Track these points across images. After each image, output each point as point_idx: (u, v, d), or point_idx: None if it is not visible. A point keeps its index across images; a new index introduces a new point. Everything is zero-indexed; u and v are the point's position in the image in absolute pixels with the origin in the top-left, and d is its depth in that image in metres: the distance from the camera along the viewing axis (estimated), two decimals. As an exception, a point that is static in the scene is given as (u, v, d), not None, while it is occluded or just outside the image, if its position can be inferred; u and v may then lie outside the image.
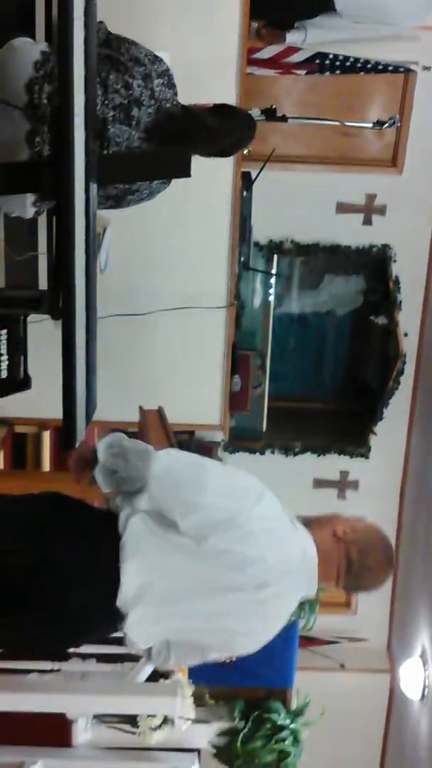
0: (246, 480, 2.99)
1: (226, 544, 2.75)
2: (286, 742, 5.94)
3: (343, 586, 3.06)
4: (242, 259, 6.24)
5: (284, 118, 6.38)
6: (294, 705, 5.95)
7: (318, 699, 6.08)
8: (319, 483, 10.01)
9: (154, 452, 2.88)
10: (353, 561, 2.97)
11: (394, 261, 9.22)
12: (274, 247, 9.15)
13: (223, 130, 3.79)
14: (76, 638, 3.00)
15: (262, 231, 8.54)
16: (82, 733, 5.22)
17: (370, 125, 6.90)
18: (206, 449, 8.92)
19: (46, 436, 5.44)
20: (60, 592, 2.71)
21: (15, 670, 5.59)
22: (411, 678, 9.25)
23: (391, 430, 9.74)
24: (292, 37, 7.36)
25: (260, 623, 2.95)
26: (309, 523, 3.07)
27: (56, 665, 5.59)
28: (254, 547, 2.79)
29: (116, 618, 2.77)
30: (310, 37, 7.33)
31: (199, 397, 5.75)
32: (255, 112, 5.98)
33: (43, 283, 4.21)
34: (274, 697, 5.91)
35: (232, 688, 5.79)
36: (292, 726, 5.84)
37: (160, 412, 4.41)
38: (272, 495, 3.01)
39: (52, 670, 5.55)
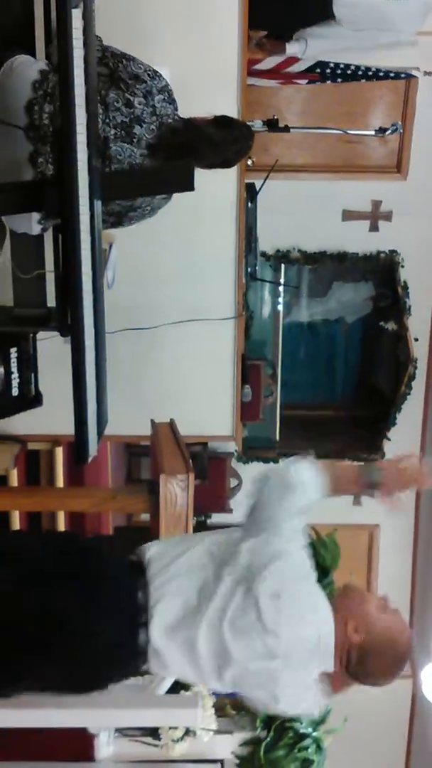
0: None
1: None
2: (309, 750, 5.93)
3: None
4: (249, 269, 6.25)
5: (286, 128, 6.41)
6: (316, 713, 5.95)
7: (339, 706, 6.06)
8: (335, 490, 9.98)
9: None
10: (351, 662, 2.87)
11: (402, 266, 9.23)
12: (281, 257, 9.16)
13: (225, 140, 3.81)
14: (100, 684, 2.96)
15: (268, 241, 8.56)
16: (105, 747, 5.23)
17: (373, 133, 6.93)
18: (219, 460, 8.94)
19: (59, 452, 5.45)
20: (84, 642, 2.71)
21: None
22: (433, 683, 9.23)
23: (404, 435, 9.73)
24: (293, 48, 7.37)
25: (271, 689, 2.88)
26: (342, 596, 3.00)
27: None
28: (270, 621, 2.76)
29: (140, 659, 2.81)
30: (311, 46, 7.33)
31: (211, 408, 5.76)
32: (257, 123, 6.00)
33: (51, 301, 4.23)
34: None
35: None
36: (314, 734, 5.84)
37: (171, 425, 4.43)
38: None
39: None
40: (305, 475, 2.92)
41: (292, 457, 3.00)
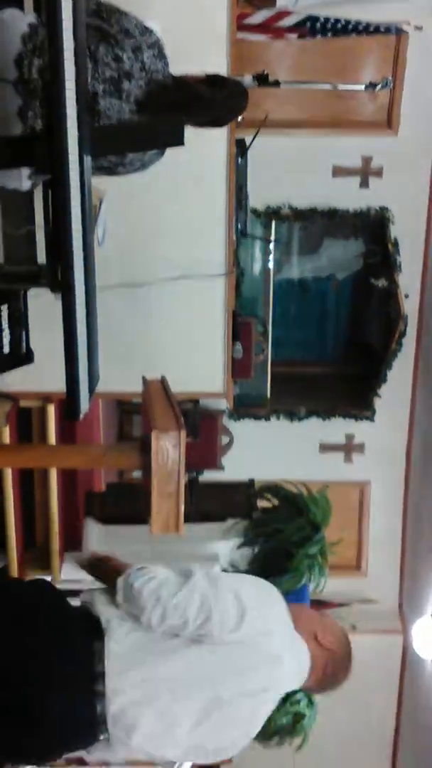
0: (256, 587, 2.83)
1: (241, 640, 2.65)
2: (301, 705, 5.99)
3: (313, 692, 3.08)
4: (240, 226, 6.24)
5: (277, 83, 6.38)
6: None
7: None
8: (325, 447, 10.05)
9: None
10: (327, 674, 2.87)
11: (393, 223, 9.23)
12: (272, 213, 9.16)
13: (216, 99, 3.77)
14: (58, 751, 2.77)
15: (258, 197, 8.53)
16: None
17: (363, 88, 6.89)
18: (211, 417, 8.96)
19: (51, 409, 5.46)
20: (39, 701, 2.54)
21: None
22: (423, 637, 9.31)
23: (395, 392, 9.77)
24: (283, 1, 7.32)
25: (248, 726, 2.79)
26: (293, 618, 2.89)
27: None
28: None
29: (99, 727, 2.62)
30: (301, 0, 7.29)
31: (202, 365, 5.76)
32: (247, 78, 5.97)
33: (41, 257, 4.21)
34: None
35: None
36: (305, 689, 5.89)
37: (163, 382, 4.42)
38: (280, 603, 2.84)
39: None
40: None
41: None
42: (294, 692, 5.61)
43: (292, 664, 2.75)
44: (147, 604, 2.59)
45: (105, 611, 2.70)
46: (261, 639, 2.67)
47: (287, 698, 5.92)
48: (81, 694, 2.56)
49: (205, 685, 2.62)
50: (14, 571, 5.45)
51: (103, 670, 2.56)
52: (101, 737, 2.62)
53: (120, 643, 2.60)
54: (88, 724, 2.58)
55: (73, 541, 6.09)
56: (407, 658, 10.21)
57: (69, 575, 5.83)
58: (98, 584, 2.96)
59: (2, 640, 2.58)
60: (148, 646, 2.61)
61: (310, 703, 6.09)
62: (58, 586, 5.80)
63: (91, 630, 2.64)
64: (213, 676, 2.62)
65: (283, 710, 5.86)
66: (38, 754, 2.73)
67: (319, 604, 8.97)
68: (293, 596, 5.89)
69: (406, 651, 10.21)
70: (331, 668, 2.84)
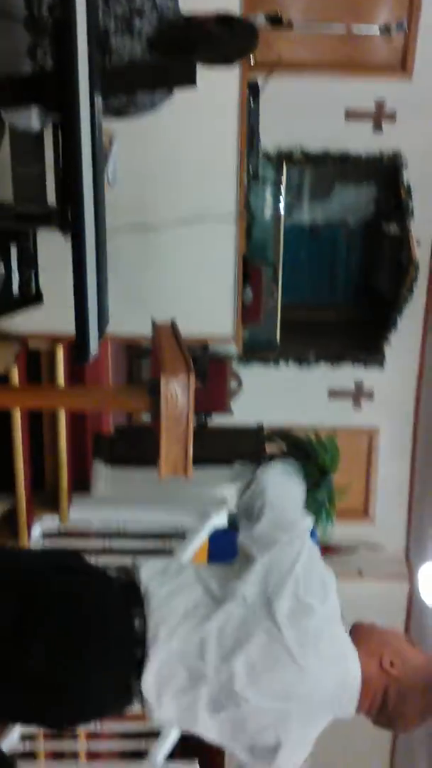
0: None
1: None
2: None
3: (373, 722, 2.61)
4: (251, 169, 6.19)
5: (290, 25, 6.29)
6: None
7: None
8: (334, 393, 10.04)
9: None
10: (389, 703, 2.53)
11: (405, 168, 9.14)
12: (284, 157, 9.07)
13: (226, 38, 3.74)
14: (85, 720, 2.73)
15: (270, 141, 8.47)
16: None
17: (377, 31, 6.80)
18: (220, 362, 8.96)
19: (60, 351, 5.45)
20: (77, 685, 2.41)
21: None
22: (429, 583, 9.35)
23: (405, 339, 9.75)
24: None
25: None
26: (359, 636, 2.64)
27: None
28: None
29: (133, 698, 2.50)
30: None
31: (212, 309, 5.74)
32: (260, 17, 5.89)
33: (51, 198, 4.19)
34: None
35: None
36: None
37: (173, 326, 4.41)
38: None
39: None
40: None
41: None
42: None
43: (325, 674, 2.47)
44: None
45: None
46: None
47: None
48: (119, 676, 2.44)
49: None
50: (23, 513, 5.48)
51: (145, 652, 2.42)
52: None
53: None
54: (123, 701, 2.51)
55: (81, 483, 6.11)
56: (413, 604, 10.28)
57: (77, 516, 5.86)
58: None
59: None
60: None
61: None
62: (66, 528, 5.86)
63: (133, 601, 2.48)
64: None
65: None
66: (60, 723, 2.69)
67: (326, 550, 9.04)
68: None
69: (412, 596, 10.27)
70: (395, 695, 2.53)
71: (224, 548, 6.25)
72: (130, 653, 2.41)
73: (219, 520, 5.77)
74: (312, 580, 2.53)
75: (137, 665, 2.41)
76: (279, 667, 2.41)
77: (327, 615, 2.50)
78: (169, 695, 2.44)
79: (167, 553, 5.77)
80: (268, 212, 9.44)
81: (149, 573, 2.55)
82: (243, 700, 2.41)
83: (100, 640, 2.41)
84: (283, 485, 2.84)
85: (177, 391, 3.67)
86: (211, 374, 8.60)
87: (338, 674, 2.48)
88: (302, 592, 2.48)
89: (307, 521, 2.74)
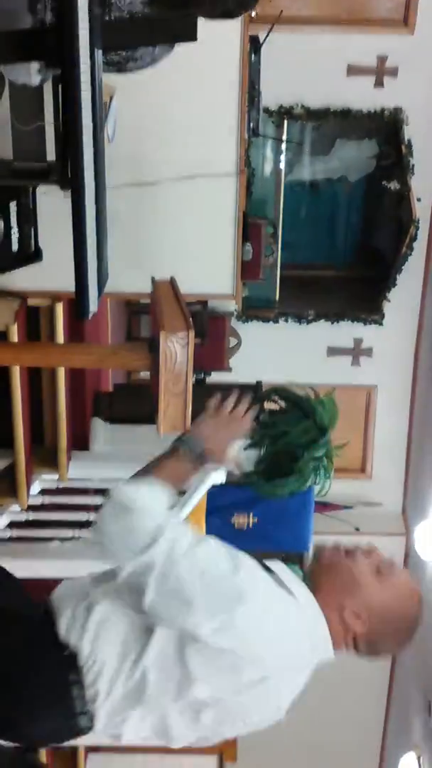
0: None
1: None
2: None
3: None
4: (251, 125, 6.15)
5: (292, -22, 6.23)
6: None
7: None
8: (333, 351, 10.05)
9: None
10: (360, 648, 2.42)
11: (407, 124, 9.10)
12: (285, 113, 9.02)
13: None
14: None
15: (271, 96, 8.42)
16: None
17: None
18: (219, 319, 8.95)
19: (60, 308, 5.44)
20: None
21: (37, 539, 5.73)
22: (425, 540, 9.41)
23: (404, 296, 9.74)
24: None
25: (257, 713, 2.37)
26: (320, 576, 2.45)
27: (77, 532, 5.73)
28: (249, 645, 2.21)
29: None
30: None
31: (211, 267, 5.72)
32: (262, -28, 5.83)
33: (51, 154, 4.17)
34: (290, 560, 6.03)
35: (250, 553, 5.92)
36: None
37: (172, 283, 4.40)
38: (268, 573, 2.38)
39: (73, 538, 5.68)
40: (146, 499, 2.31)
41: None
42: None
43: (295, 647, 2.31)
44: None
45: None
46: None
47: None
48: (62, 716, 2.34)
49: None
50: (22, 470, 5.49)
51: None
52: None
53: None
54: (69, 734, 2.40)
55: (80, 440, 6.12)
56: (409, 560, 10.34)
57: (76, 473, 5.88)
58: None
59: None
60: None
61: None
62: (65, 485, 5.88)
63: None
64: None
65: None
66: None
67: (324, 507, 9.09)
68: (298, 499, 5.95)
69: (409, 553, 10.33)
70: (365, 644, 2.41)
71: (222, 505, 6.29)
72: (75, 723, 2.33)
73: (217, 477, 5.77)
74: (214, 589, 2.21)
75: (84, 730, 2.34)
76: (234, 670, 2.23)
77: (253, 610, 2.21)
78: (130, 727, 2.35)
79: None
80: (268, 168, 9.41)
81: (64, 624, 2.36)
82: (215, 701, 2.27)
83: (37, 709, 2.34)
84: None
85: (176, 348, 3.68)
86: (211, 331, 8.60)
87: (298, 644, 2.31)
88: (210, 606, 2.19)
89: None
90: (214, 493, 5.85)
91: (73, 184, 3.28)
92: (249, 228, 6.13)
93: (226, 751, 8.68)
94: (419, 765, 9.74)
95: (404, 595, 2.49)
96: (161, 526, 2.22)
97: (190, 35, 3.40)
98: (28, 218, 4.44)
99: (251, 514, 6.14)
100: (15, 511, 5.71)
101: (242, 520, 6.12)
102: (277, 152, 9.39)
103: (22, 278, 5.15)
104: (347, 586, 2.40)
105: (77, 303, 3.53)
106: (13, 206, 4.26)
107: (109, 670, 2.28)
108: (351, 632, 2.37)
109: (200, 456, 2.60)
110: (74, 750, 8.02)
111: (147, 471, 2.56)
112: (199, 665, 2.21)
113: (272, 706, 2.35)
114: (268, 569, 2.39)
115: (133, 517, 2.24)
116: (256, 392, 6.50)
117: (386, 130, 9.50)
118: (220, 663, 2.20)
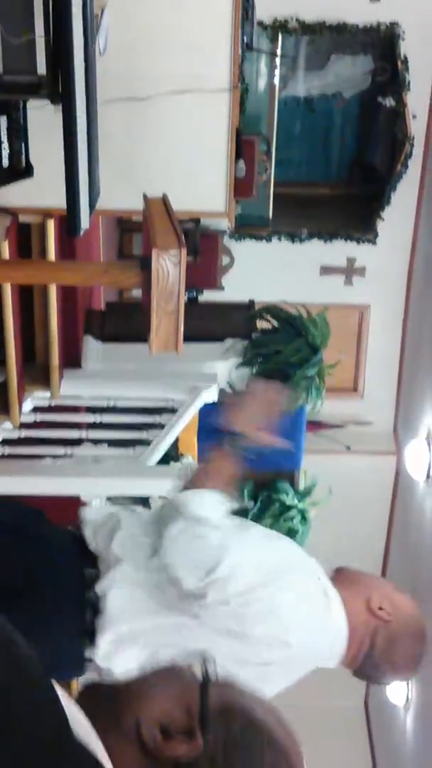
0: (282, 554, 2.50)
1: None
2: (295, 521, 6.13)
3: (354, 672, 2.48)
4: (245, 39, 6.05)
5: None
6: (302, 486, 6.13)
7: (325, 481, 6.25)
8: (326, 270, 10.02)
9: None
10: (376, 649, 2.41)
11: (403, 39, 8.98)
12: (279, 27, 8.89)
13: None
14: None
15: (265, 9, 8.27)
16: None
17: None
18: (212, 237, 8.90)
19: (51, 225, 5.40)
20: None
21: (29, 456, 5.76)
22: (416, 459, 9.47)
23: (398, 215, 9.69)
24: None
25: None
26: (344, 579, 2.53)
27: (69, 450, 5.76)
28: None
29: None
30: None
31: (204, 184, 5.67)
32: None
33: (42, 67, 4.10)
34: (282, 478, 6.08)
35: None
36: (300, 506, 6.03)
37: (164, 200, 4.37)
38: (309, 568, 2.49)
39: (65, 455, 5.71)
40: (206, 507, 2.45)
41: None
42: (288, 507, 5.68)
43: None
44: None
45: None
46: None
47: (282, 513, 6.07)
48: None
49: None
50: (13, 388, 5.49)
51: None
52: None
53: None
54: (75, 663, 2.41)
55: (72, 358, 6.12)
56: (399, 479, 10.42)
57: (68, 391, 5.89)
58: None
59: None
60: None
61: (304, 519, 6.23)
62: (57, 402, 5.90)
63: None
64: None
65: (276, 526, 6.00)
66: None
67: (316, 425, 9.12)
68: (290, 417, 5.97)
69: (399, 472, 10.41)
70: (383, 641, 2.41)
71: (214, 424, 6.31)
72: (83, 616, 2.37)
73: (209, 395, 5.79)
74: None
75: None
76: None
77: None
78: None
79: (158, 428, 5.81)
80: (262, 83, 9.28)
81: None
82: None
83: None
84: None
85: (168, 266, 3.66)
86: (203, 249, 8.56)
87: (321, 630, 2.38)
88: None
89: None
90: (207, 410, 5.88)
91: (63, 97, 3.25)
92: (242, 145, 6.06)
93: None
94: None
95: (419, 614, 2.51)
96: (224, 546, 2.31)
97: None
98: (19, 134, 4.38)
99: (243, 433, 6.16)
100: (7, 429, 5.72)
101: (234, 439, 6.14)
102: (271, 67, 9.26)
103: (13, 195, 5.10)
104: (373, 586, 2.51)
105: (68, 219, 3.51)
106: (2, 121, 4.21)
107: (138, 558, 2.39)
108: (374, 620, 2.41)
109: (242, 451, 2.72)
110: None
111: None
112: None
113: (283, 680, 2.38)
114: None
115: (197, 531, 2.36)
116: (248, 311, 6.51)
117: (382, 45, 9.38)
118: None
